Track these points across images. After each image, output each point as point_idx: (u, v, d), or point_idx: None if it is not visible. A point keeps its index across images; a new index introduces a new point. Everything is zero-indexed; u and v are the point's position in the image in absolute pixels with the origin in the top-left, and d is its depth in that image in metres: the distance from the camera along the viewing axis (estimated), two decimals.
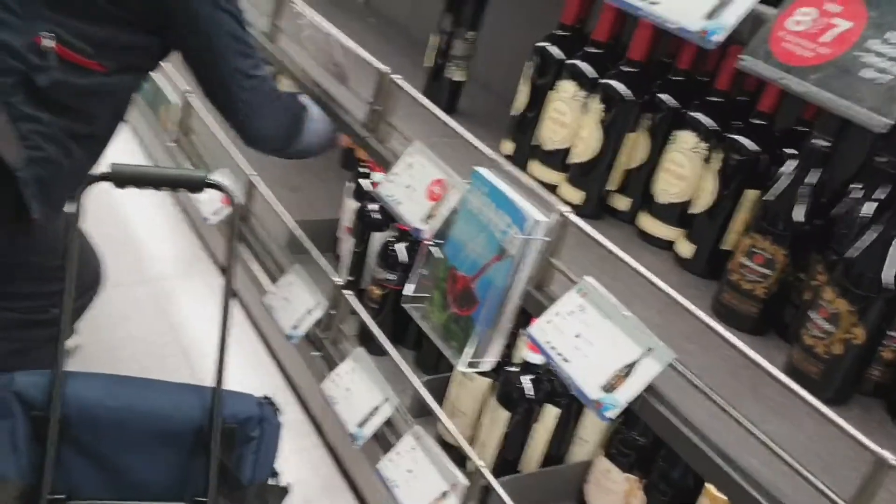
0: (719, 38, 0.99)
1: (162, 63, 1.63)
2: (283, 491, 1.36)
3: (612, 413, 1.11)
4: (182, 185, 1.37)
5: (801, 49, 0.93)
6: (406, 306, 1.49)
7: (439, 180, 1.49)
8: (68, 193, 1.51)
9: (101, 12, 1.41)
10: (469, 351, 1.35)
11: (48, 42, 1.37)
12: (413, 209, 1.51)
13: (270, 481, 1.39)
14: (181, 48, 1.57)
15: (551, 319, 1.24)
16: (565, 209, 1.26)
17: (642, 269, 1.20)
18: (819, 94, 0.89)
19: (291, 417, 2.09)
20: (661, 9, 1.08)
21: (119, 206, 2.77)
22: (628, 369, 1.12)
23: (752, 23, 1.01)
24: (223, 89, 1.60)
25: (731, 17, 0.98)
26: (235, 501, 1.25)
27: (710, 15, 1.00)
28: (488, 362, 1.38)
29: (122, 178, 1.31)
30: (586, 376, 1.15)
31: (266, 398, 1.36)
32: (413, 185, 1.53)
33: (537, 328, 1.25)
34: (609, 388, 1.13)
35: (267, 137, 1.68)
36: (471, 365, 1.36)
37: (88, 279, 1.78)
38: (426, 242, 1.46)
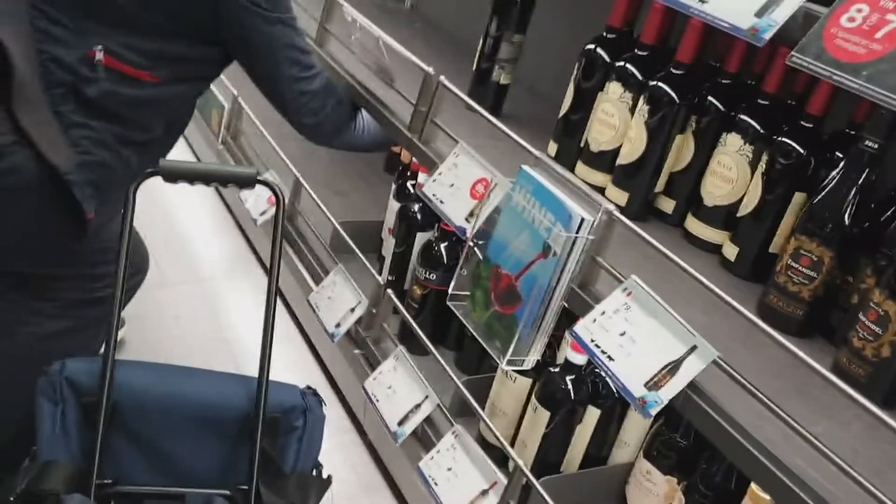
0: (770, 35, 0.99)
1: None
2: (325, 482, 1.38)
3: (655, 410, 1.11)
4: (232, 181, 1.40)
5: (853, 46, 0.92)
6: (450, 304, 1.50)
7: (483, 179, 1.50)
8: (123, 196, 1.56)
9: (152, 26, 1.45)
10: (512, 348, 1.35)
11: (99, 55, 1.41)
12: (457, 208, 1.52)
13: (313, 473, 1.41)
14: (237, 58, 1.61)
15: (596, 318, 1.24)
16: (611, 207, 1.26)
17: (688, 268, 1.20)
18: (871, 89, 0.88)
19: (332, 415, 2.10)
20: (711, 7, 1.08)
21: (170, 207, 2.84)
22: (673, 367, 1.12)
23: (803, 21, 1.01)
24: (277, 92, 1.65)
25: (781, 14, 0.98)
26: (277, 490, 1.27)
27: (761, 13, 1.00)
28: (531, 360, 1.38)
29: (173, 173, 1.35)
30: (631, 374, 1.15)
31: (310, 388, 1.38)
32: (457, 184, 1.54)
33: (582, 327, 1.25)
34: (653, 385, 1.12)
35: (319, 131, 1.75)
36: (513, 363, 1.37)
37: (138, 262, 1.83)
38: (469, 240, 1.47)
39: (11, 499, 1.22)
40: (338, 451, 2.00)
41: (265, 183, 1.38)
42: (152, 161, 1.62)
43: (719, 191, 1.50)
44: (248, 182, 1.37)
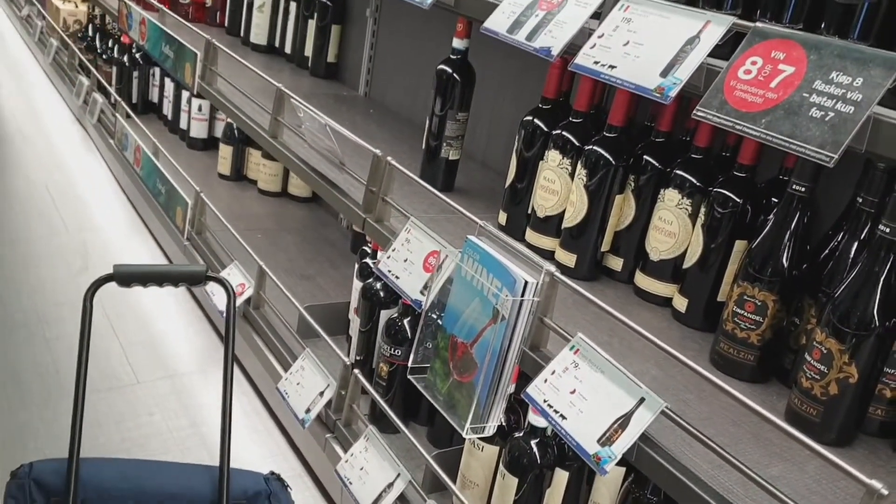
0: (674, 92, 1.05)
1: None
2: None
3: (609, 466, 1.11)
4: (183, 279, 1.42)
5: (751, 96, 0.98)
6: (411, 377, 1.52)
7: (435, 252, 1.53)
8: None
9: None
10: (471, 415, 1.36)
11: None
12: (411, 282, 1.55)
13: None
14: None
15: (547, 378, 1.26)
16: (552, 268, 1.29)
17: (631, 324, 1.23)
18: (770, 135, 0.93)
19: (309, 501, 2.08)
20: (619, 71, 1.14)
21: (142, 305, 2.85)
22: (623, 420, 1.13)
23: (706, 77, 1.06)
24: None
25: (684, 72, 1.04)
26: None
27: (665, 72, 1.06)
28: (491, 427, 1.39)
29: (125, 277, 1.38)
30: (584, 431, 1.16)
31: (273, 474, 1.37)
32: (411, 258, 1.58)
33: (534, 388, 1.26)
34: (606, 441, 1.13)
35: None
36: (474, 430, 1.38)
37: None
38: (425, 313, 1.50)
39: None
40: None
41: (214, 279, 1.41)
42: None
43: (663, 245, 1.54)
44: (197, 279, 1.40)
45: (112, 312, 2.59)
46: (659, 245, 1.55)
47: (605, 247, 1.63)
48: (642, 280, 1.59)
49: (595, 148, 1.56)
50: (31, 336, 2.55)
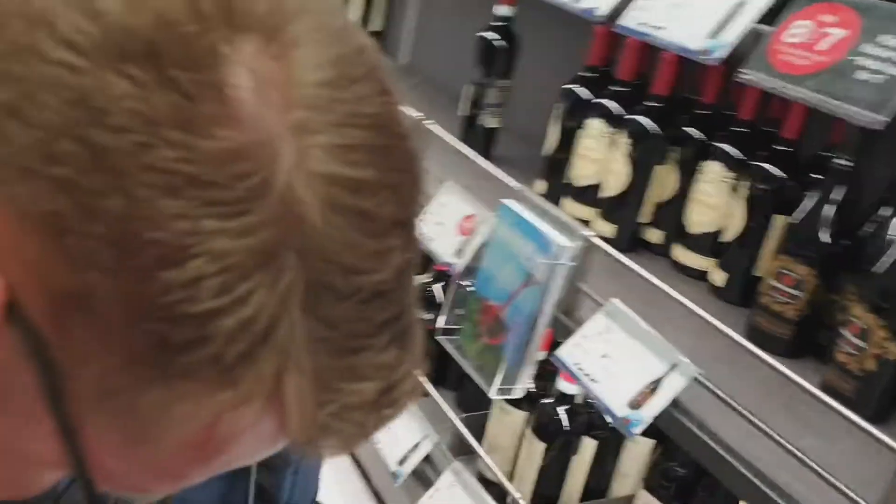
0: (720, 54, 1.03)
1: None
2: None
3: (637, 429, 1.11)
4: None
5: (798, 59, 0.96)
6: (439, 339, 1.52)
7: (470, 216, 1.53)
8: None
9: None
10: (498, 378, 1.37)
11: None
12: (445, 245, 1.56)
13: None
14: None
15: (578, 342, 1.26)
16: (589, 233, 1.29)
17: (670, 290, 1.22)
18: (815, 97, 0.91)
19: (338, 463, 2.11)
20: (665, 33, 1.13)
21: None
22: (654, 385, 1.13)
23: (753, 41, 1.05)
24: None
25: (731, 35, 1.02)
26: None
27: (712, 35, 1.04)
28: (518, 389, 1.39)
29: None
30: (613, 395, 1.16)
31: None
32: (444, 222, 1.58)
33: (565, 351, 1.26)
34: (635, 405, 1.13)
35: None
36: (501, 392, 1.38)
37: None
38: (457, 275, 1.50)
39: None
40: (342, 498, 1.99)
41: None
42: None
43: (703, 218, 1.52)
44: None
45: None
46: (699, 218, 1.53)
47: (644, 218, 1.61)
48: (680, 253, 1.58)
49: (638, 117, 1.54)
50: None
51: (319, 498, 1.46)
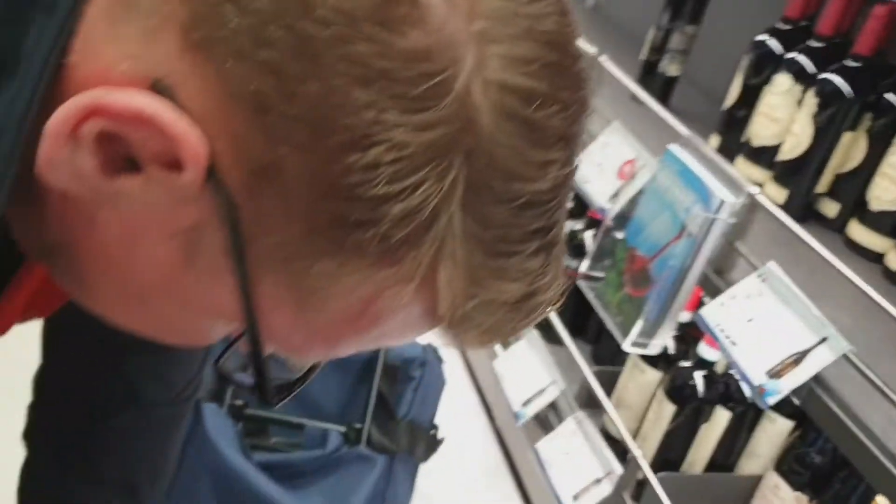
0: None
1: None
2: (436, 440, 1.40)
3: (773, 399, 1.04)
4: None
5: None
6: (580, 283, 1.49)
7: (631, 160, 1.47)
8: None
9: None
10: (635, 330, 1.32)
11: None
12: (601, 188, 1.51)
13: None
14: None
15: (724, 302, 1.18)
16: (754, 190, 1.20)
17: (834, 261, 1.12)
18: None
19: (466, 400, 2.14)
20: None
21: None
22: (799, 357, 1.05)
23: None
24: None
25: None
26: (387, 433, 1.32)
27: None
28: (655, 345, 1.34)
29: None
30: (753, 361, 1.09)
31: (430, 345, 1.41)
32: (604, 164, 1.53)
33: (709, 310, 1.20)
34: (775, 374, 1.06)
35: None
36: (636, 345, 1.33)
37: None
38: (608, 220, 1.45)
39: None
40: (468, 436, 2.02)
41: None
42: None
43: (890, 195, 1.38)
44: None
45: None
46: (885, 194, 1.39)
47: (821, 188, 1.49)
48: (857, 231, 1.44)
49: (832, 77, 1.41)
50: None
51: (438, 424, 1.49)
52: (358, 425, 1.32)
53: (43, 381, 0.79)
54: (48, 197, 0.40)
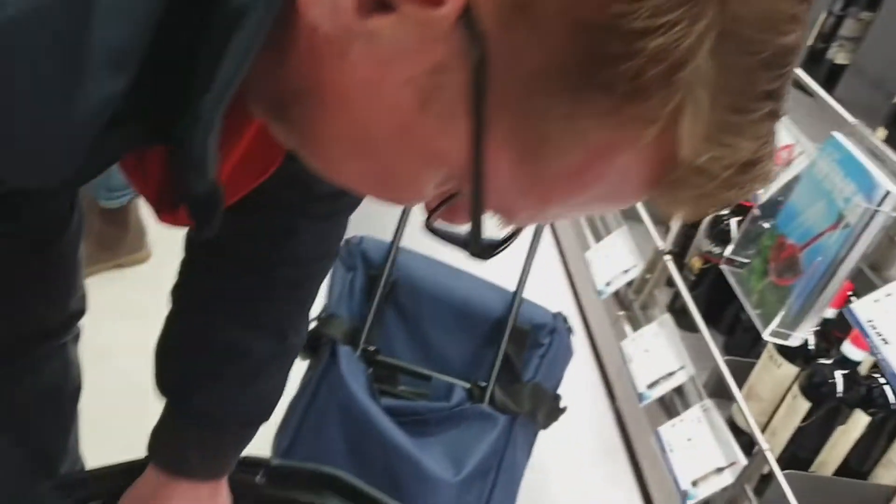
0: None
1: None
2: (558, 408, 1.41)
3: None
4: None
5: None
6: (723, 267, 1.45)
7: (789, 145, 1.42)
8: None
9: None
10: (777, 319, 1.28)
11: None
12: None
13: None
14: None
15: (880, 299, 1.13)
16: None
17: None
18: None
19: (588, 376, 2.13)
20: None
21: None
22: None
23: None
24: None
25: None
26: (511, 394, 1.33)
27: None
28: (796, 337, 1.29)
29: None
30: None
31: (560, 314, 1.42)
32: None
33: (861, 305, 1.14)
34: None
35: None
36: (776, 335, 1.29)
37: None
38: (757, 206, 1.41)
39: None
40: (587, 411, 2.02)
41: None
42: None
43: None
44: None
45: None
46: None
47: None
48: None
49: None
50: None
51: (560, 394, 1.50)
52: (482, 383, 1.34)
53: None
54: (297, 40, 0.41)
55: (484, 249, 0.46)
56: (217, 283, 0.80)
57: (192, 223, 0.51)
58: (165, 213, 0.54)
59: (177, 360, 0.81)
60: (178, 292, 0.81)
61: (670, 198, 0.43)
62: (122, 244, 2.02)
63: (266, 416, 0.84)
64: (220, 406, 0.80)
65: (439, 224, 0.49)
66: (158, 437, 0.82)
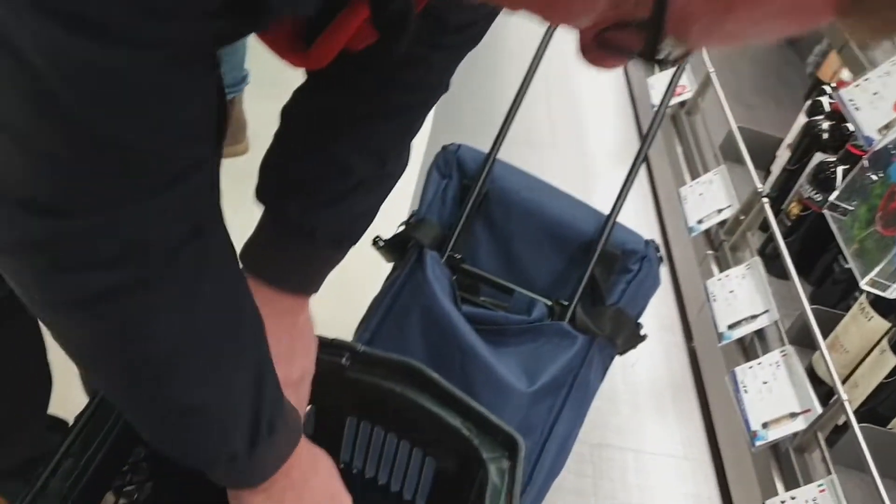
0: None
1: None
2: (638, 335, 1.41)
3: None
4: None
5: None
6: (825, 212, 1.41)
7: None
8: None
9: None
10: (879, 268, 1.24)
11: None
12: (872, 117, 1.39)
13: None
14: None
15: None
16: None
17: None
18: None
19: (667, 312, 2.12)
20: None
21: (571, 85, 2.97)
22: None
23: None
24: None
25: None
26: (593, 316, 1.34)
27: None
28: (895, 290, 1.25)
29: None
30: None
31: (653, 242, 1.41)
32: (882, 93, 1.41)
33: None
34: None
35: None
36: (874, 284, 1.26)
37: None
38: (870, 153, 1.35)
39: (379, 242, 1.44)
40: (660, 346, 2.01)
41: None
42: None
43: None
44: None
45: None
46: None
47: None
48: None
49: None
50: None
51: (642, 324, 1.49)
52: (565, 302, 1.35)
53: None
54: None
55: (660, 59, 0.45)
56: (329, 102, 0.81)
57: (383, 42, 0.57)
58: (298, 54, 0.59)
59: (279, 170, 0.83)
60: (290, 111, 0.83)
61: (853, 22, 0.41)
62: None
63: (354, 238, 0.86)
64: (312, 217, 0.82)
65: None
66: (250, 243, 0.84)
